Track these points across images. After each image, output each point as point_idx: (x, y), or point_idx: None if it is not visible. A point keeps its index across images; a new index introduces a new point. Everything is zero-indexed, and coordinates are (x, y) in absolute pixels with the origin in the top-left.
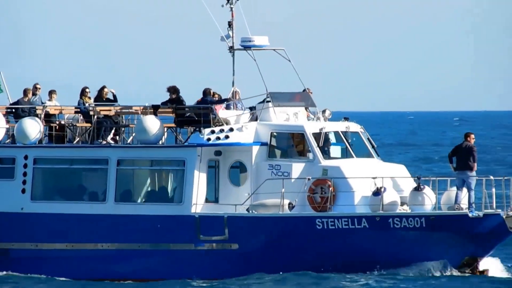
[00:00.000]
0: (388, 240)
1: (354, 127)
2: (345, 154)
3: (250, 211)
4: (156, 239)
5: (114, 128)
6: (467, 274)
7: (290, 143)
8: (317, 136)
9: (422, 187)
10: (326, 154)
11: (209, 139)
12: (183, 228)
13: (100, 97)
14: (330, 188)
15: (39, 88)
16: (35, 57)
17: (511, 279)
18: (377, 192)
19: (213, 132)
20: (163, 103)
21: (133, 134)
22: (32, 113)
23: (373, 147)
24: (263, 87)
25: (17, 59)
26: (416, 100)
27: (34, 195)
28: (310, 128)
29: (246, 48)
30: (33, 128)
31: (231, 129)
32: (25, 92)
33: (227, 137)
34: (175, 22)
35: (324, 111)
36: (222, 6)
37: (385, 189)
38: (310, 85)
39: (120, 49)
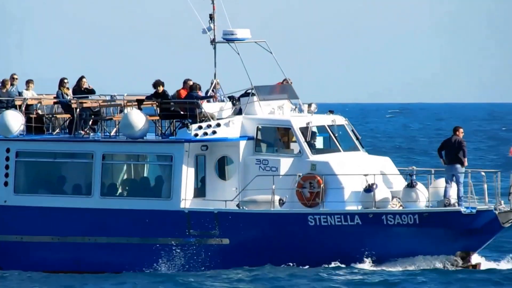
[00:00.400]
0: (381, 237)
1: (340, 120)
2: (328, 144)
3: (241, 207)
4: (144, 233)
5: (92, 118)
6: (459, 268)
7: (277, 137)
8: (304, 130)
9: (414, 183)
10: (313, 148)
11: (196, 135)
12: (172, 223)
13: (78, 87)
14: (321, 185)
15: (17, 79)
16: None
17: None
18: (369, 189)
19: (200, 127)
20: (148, 97)
21: (116, 127)
22: (10, 104)
23: (357, 139)
24: (244, 79)
25: None
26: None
27: (17, 188)
28: (297, 123)
29: (228, 41)
30: (15, 121)
31: (218, 125)
32: (3, 83)
33: (214, 132)
34: (157, 13)
35: (310, 105)
36: None
37: (376, 185)
38: (292, 77)
39: (100, 41)
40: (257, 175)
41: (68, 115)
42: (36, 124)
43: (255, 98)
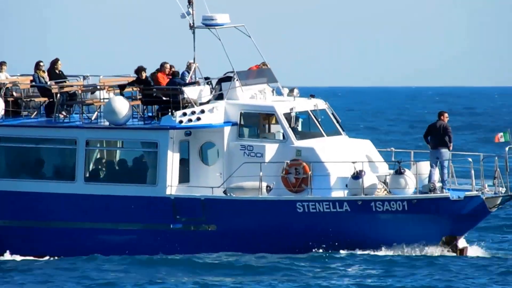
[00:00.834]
0: (370, 223)
1: (321, 104)
2: (307, 125)
3: (228, 194)
4: (129, 219)
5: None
6: (447, 253)
7: (261, 123)
8: (287, 116)
9: (403, 170)
10: (297, 133)
11: (181, 122)
12: (158, 209)
13: (53, 70)
14: (309, 172)
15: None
16: None
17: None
18: (357, 176)
19: (185, 114)
20: (130, 83)
21: (97, 112)
22: None
23: (338, 122)
24: (224, 62)
25: None
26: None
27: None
28: (281, 108)
29: (208, 26)
30: None
31: (202, 111)
32: None
33: (198, 119)
34: None
35: (292, 90)
36: None
37: (364, 172)
38: (270, 61)
39: (78, 23)
40: (245, 162)
41: (45, 99)
42: (13, 107)
43: (237, 83)
